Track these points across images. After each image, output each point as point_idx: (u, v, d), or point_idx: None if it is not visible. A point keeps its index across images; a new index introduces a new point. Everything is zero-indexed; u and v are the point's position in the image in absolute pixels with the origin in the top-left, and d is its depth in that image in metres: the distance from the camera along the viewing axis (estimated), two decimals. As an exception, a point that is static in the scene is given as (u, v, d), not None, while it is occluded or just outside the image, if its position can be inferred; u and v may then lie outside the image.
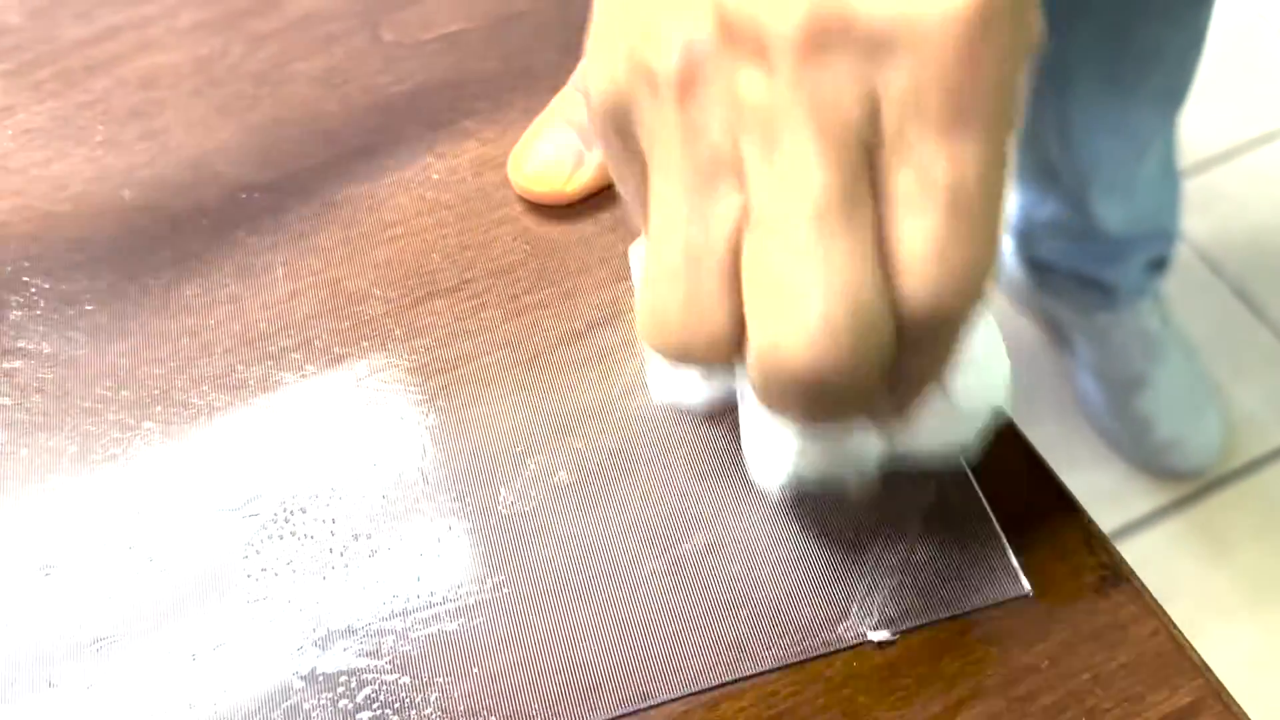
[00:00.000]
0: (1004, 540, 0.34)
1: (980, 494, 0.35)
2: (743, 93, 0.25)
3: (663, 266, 0.26)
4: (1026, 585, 0.33)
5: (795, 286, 0.25)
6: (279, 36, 0.46)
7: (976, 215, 0.25)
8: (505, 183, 0.41)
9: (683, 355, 0.27)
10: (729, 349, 0.27)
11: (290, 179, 0.42)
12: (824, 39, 0.24)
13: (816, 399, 0.26)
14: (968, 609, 0.33)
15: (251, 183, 0.42)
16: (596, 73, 0.27)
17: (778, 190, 0.25)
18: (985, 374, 0.33)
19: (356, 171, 0.42)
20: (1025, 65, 0.25)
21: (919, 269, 0.25)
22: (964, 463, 0.35)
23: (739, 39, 0.25)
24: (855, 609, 0.33)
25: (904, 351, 0.26)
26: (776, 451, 0.32)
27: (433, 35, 0.46)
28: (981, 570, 0.34)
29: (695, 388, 0.36)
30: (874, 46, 0.24)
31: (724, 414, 0.36)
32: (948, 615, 0.33)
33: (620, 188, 0.29)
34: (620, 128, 0.27)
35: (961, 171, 0.24)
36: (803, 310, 0.25)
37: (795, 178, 0.25)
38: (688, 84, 0.25)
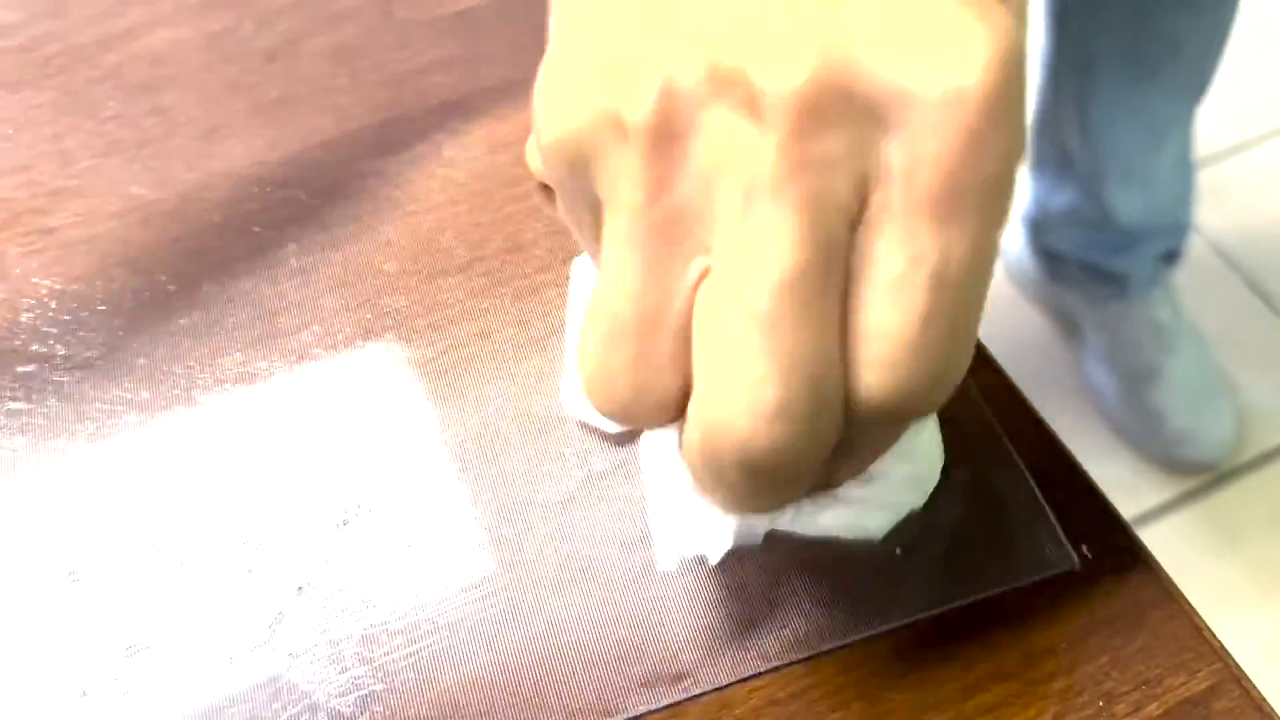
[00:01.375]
0: (1050, 514, 0.33)
1: (1025, 470, 0.34)
2: (727, 147, 0.23)
3: (615, 321, 0.24)
4: (1075, 558, 0.33)
5: (753, 361, 0.23)
6: (290, 13, 0.45)
7: (957, 308, 0.23)
8: (518, 160, 0.41)
9: (626, 417, 0.25)
10: (675, 415, 0.25)
11: (300, 156, 0.41)
12: (825, 103, 0.22)
13: (756, 481, 0.24)
14: (1009, 585, 0.33)
15: (262, 161, 0.41)
16: (551, 112, 0.24)
17: (747, 253, 0.23)
18: (917, 470, 0.32)
19: (367, 149, 0.42)
20: (1017, 166, 0.24)
21: (888, 356, 0.23)
22: (1008, 441, 0.35)
23: (729, 90, 0.23)
24: (873, 593, 0.33)
25: (844, 438, 0.24)
26: (688, 524, 0.31)
27: (445, 12, 0.45)
28: (1025, 547, 0.33)
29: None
30: (876, 115, 0.22)
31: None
32: (986, 593, 0.32)
33: (571, 223, 0.27)
34: (576, 169, 0.24)
35: (949, 258, 0.23)
36: (759, 388, 0.23)
37: (769, 244, 0.23)
38: (661, 134, 0.23)
